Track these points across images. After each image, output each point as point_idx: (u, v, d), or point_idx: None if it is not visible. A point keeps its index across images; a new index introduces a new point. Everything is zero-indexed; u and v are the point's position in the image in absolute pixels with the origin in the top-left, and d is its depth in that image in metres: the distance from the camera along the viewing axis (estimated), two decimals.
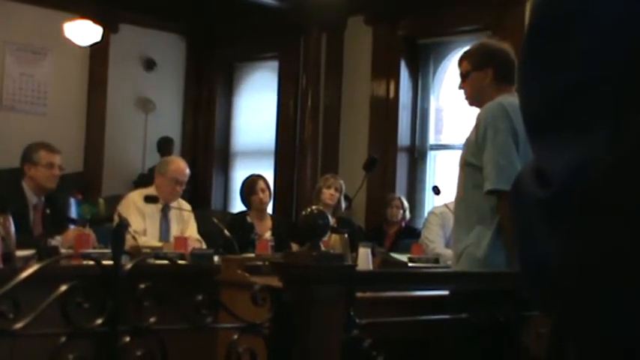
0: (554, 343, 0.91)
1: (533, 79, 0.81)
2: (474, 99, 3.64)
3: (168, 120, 10.68)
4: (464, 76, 3.66)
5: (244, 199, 6.33)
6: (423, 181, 8.95)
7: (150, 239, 5.48)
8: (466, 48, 3.87)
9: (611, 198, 0.71)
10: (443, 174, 8.54)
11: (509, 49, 3.69)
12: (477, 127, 3.46)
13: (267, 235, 5.97)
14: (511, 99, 3.45)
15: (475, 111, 3.59)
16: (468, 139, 3.56)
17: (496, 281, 2.95)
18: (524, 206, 0.78)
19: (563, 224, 0.74)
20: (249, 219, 6.15)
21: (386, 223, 7.80)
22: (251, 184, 6.32)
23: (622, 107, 0.72)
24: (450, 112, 8.83)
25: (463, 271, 3.36)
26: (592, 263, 0.72)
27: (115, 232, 2.02)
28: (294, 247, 5.46)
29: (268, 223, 6.27)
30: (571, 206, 0.73)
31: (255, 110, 10.59)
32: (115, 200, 6.48)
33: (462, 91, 3.71)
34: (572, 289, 0.74)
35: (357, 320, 2.31)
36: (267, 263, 3.90)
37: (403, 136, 8.95)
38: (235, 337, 2.12)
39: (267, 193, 6.31)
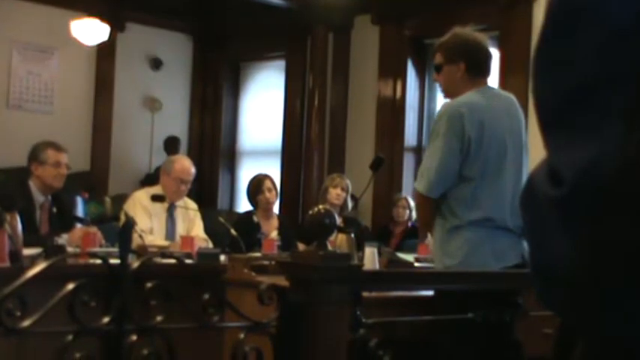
0: (562, 342, 0.90)
1: (545, 77, 0.81)
2: (448, 92, 3.63)
3: (175, 119, 10.70)
4: (437, 68, 3.65)
5: (251, 198, 6.32)
6: None
7: (156, 238, 5.49)
8: None
9: (625, 196, 0.70)
10: None
11: (483, 40, 3.66)
12: (432, 127, 3.51)
13: (274, 234, 5.96)
14: (475, 97, 3.46)
15: None
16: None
17: (503, 281, 2.94)
18: (537, 205, 0.78)
19: (577, 223, 0.73)
20: (255, 218, 6.15)
21: (392, 223, 7.80)
22: (258, 183, 6.31)
23: (634, 105, 0.72)
24: None
25: (469, 271, 3.36)
26: (606, 261, 0.72)
27: (122, 231, 2.02)
28: (301, 246, 5.46)
29: (274, 222, 6.27)
30: (584, 205, 0.72)
31: (262, 110, 10.59)
32: (121, 199, 6.48)
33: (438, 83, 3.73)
34: (585, 288, 0.74)
35: (364, 320, 2.31)
36: (273, 263, 3.90)
37: (410, 135, 8.95)
38: (242, 336, 2.12)
39: (273, 192, 6.30)
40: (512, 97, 3.61)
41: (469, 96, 3.46)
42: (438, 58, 3.62)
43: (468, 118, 3.36)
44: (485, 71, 3.60)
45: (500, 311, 2.79)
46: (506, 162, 3.41)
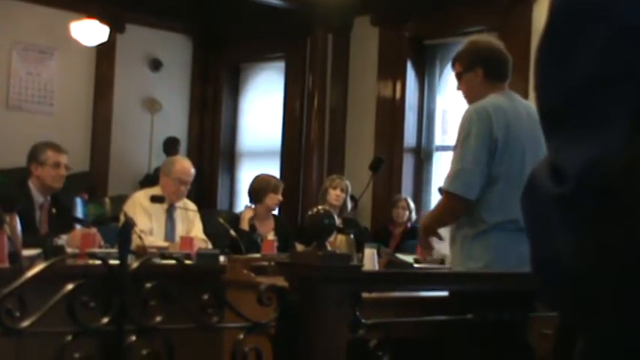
0: (561, 342, 0.90)
1: (550, 75, 0.80)
2: (469, 99, 3.71)
3: (175, 120, 10.69)
4: (458, 77, 3.72)
5: (256, 195, 6.23)
6: (429, 182, 8.95)
7: (156, 239, 5.49)
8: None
9: (628, 194, 0.70)
10: None
11: (499, 46, 3.73)
12: (459, 129, 3.54)
13: (270, 235, 5.96)
14: (499, 99, 3.53)
15: None
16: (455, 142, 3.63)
17: (501, 282, 2.94)
18: (538, 203, 0.78)
19: (580, 220, 0.73)
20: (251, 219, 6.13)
21: (392, 224, 7.80)
22: (274, 184, 6.24)
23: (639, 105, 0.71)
24: (456, 113, 8.82)
25: (468, 272, 3.37)
26: (607, 258, 0.72)
27: (121, 232, 2.02)
28: (299, 247, 5.46)
29: (271, 223, 6.26)
30: (587, 202, 0.72)
31: (261, 111, 10.59)
32: (120, 200, 6.49)
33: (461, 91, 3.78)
34: (586, 285, 0.74)
35: (363, 320, 2.31)
36: (272, 263, 3.91)
37: (409, 136, 8.95)
38: (241, 336, 2.12)
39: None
40: (529, 102, 3.69)
41: (493, 98, 3.53)
42: (457, 68, 3.71)
43: (495, 119, 3.42)
44: (504, 75, 3.66)
45: (500, 313, 2.79)
46: (527, 163, 3.45)
